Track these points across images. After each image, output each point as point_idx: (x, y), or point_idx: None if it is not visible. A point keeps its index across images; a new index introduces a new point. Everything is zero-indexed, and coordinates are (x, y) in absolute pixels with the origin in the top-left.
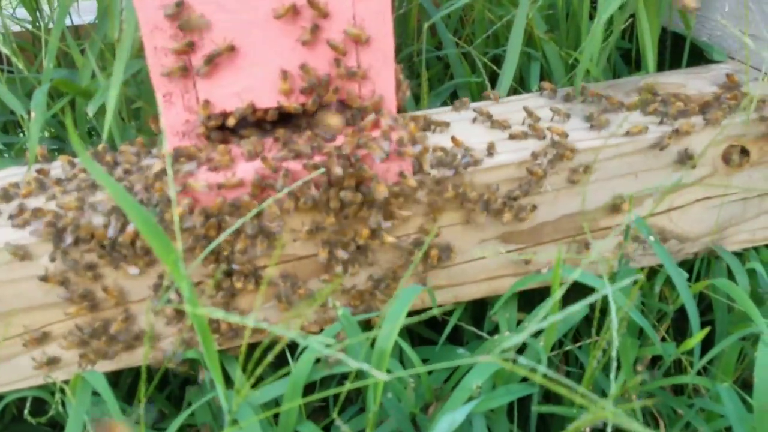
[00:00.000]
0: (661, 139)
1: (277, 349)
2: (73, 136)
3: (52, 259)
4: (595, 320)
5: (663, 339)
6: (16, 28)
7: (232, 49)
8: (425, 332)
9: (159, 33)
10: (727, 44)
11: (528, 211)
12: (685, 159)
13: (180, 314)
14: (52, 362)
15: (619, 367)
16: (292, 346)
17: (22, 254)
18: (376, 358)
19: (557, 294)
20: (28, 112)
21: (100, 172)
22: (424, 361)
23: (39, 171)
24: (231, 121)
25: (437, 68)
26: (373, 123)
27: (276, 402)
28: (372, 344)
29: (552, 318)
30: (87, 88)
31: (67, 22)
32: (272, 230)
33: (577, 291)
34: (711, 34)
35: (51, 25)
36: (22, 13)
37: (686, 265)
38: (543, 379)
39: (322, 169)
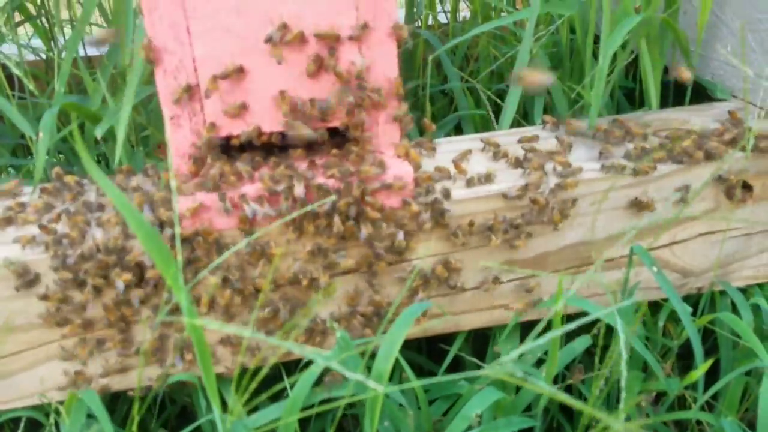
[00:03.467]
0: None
1: (272, 362)
2: (81, 149)
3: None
4: (598, 349)
5: (668, 376)
6: (31, 57)
7: (240, 70)
8: (425, 363)
9: (168, 56)
10: (731, 83)
11: (522, 239)
12: (685, 195)
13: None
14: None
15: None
16: (287, 372)
17: (21, 271)
18: (375, 378)
19: (558, 309)
20: (38, 134)
21: (107, 183)
22: (425, 392)
23: (43, 190)
24: (235, 142)
25: (442, 103)
26: (371, 151)
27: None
28: (369, 370)
29: (552, 334)
30: (96, 113)
31: (81, 53)
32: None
33: (581, 328)
34: (714, 73)
35: (64, 54)
36: (37, 43)
37: (690, 300)
38: (551, 392)
39: (333, 197)
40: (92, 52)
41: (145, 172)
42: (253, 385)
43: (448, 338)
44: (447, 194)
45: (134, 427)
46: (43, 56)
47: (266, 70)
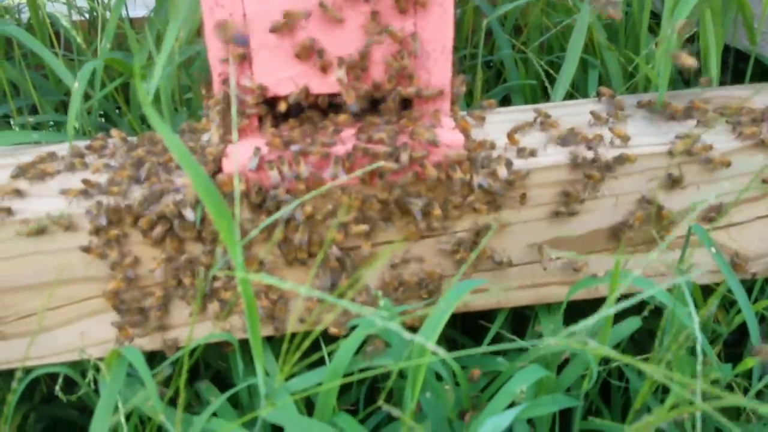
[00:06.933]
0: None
1: (324, 324)
2: (143, 95)
3: (96, 230)
4: (659, 330)
5: None
6: (75, 18)
7: (291, 21)
8: (462, 340)
9: (219, 10)
10: None
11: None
12: None
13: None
14: None
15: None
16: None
17: (66, 224)
18: (419, 351)
19: (614, 295)
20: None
21: (167, 130)
22: (463, 368)
23: (89, 147)
24: (282, 106)
25: (488, 75)
26: (426, 115)
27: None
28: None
29: (607, 311)
30: (141, 70)
31: (123, 13)
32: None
33: (627, 310)
34: None
35: (108, 14)
36: (81, 3)
37: (744, 285)
38: (614, 354)
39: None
40: (137, 13)
41: (182, 131)
42: (306, 344)
43: (487, 315)
44: (509, 164)
45: (182, 383)
46: (87, 16)
47: (317, 30)
